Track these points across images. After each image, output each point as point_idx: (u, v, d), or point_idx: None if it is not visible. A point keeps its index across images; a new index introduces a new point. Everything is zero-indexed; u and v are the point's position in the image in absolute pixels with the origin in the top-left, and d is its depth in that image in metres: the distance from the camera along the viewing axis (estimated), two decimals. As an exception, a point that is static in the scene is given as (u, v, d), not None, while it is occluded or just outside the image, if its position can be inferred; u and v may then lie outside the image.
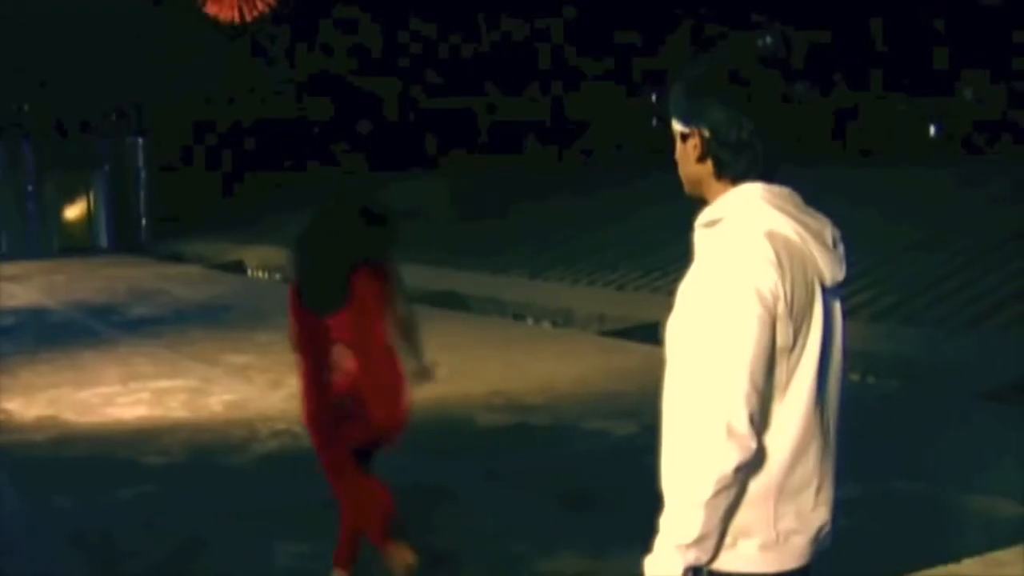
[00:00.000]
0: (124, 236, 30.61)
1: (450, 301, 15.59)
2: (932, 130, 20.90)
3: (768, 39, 24.29)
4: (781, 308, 2.22)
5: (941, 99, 20.54)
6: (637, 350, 11.03)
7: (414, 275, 18.61)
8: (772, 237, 2.27)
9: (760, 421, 2.22)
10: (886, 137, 18.55)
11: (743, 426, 2.16)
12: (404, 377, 5.03)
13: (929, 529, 5.58)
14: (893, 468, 6.30)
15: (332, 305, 4.87)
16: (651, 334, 12.13)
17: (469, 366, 10.38)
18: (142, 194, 31.35)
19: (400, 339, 5.11)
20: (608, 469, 7.00)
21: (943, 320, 10.65)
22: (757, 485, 2.25)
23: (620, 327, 12.43)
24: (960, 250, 12.39)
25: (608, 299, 14.23)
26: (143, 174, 31.23)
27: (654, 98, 28.86)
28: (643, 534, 5.81)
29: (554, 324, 13.96)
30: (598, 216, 18.30)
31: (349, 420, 4.98)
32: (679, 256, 11.76)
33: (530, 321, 14.30)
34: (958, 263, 12.03)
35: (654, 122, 29.04)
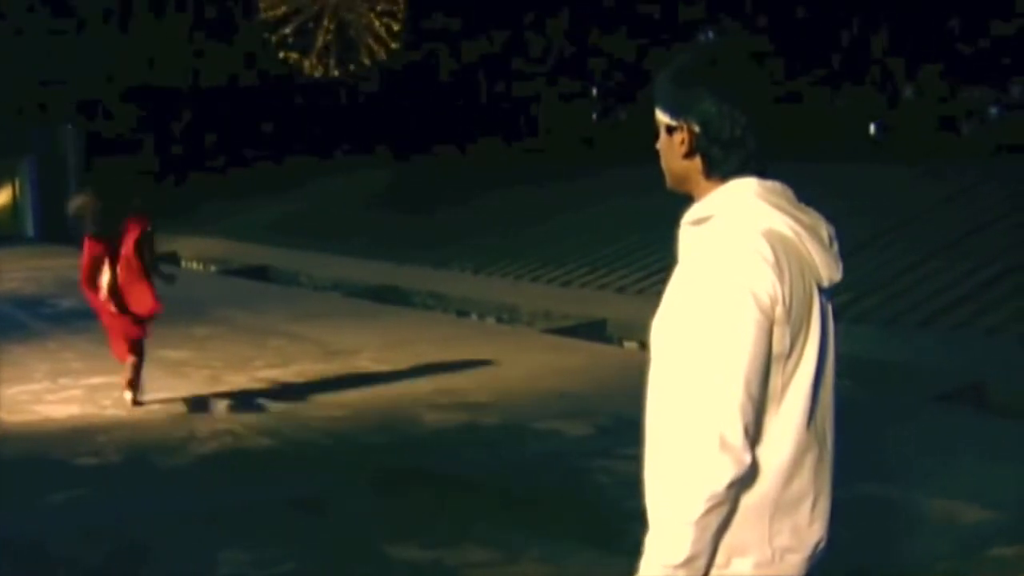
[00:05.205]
0: (52, 225, 29.86)
1: (392, 296, 15.36)
2: (872, 128, 21.06)
3: (710, 34, 24.39)
4: (779, 312, 2.09)
5: (883, 96, 20.76)
6: (584, 348, 10.91)
7: (355, 268, 18.51)
8: (769, 235, 2.13)
9: (754, 432, 2.08)
10: (827, 134, 18.62)
11: (737, 438, 2.02)
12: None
13: (896, 534, 5.51)
14: (854, 472, 6.18)
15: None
16: (598, 331, 12.04)
17: (413, 363, 10.19)
18: (71, 183, 30.61)
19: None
20: (563, 471, 6.85)
21: (896, 319, 10.65)
22: (751, 500, 2.12)
23: (566, 324, 12.29)
24: (912, 248, 12.43)
25: (554, 295, 14.07)
26: (72, 162, 30.50)
27: (595, 92, 28.87)
28: (604, 538, 5.64)
29: (499, 320, 13.78)
30: (543, 211, 18.17)
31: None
32: (626, 252, 11.79)
33: (475, 317, 14.10)
34: (910, 261, 12.07)
35: (594, 117, 29.08)
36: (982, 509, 5.79)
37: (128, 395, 8.68)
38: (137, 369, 8.68)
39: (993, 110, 19.86)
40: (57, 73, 28.68)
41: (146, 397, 8.86)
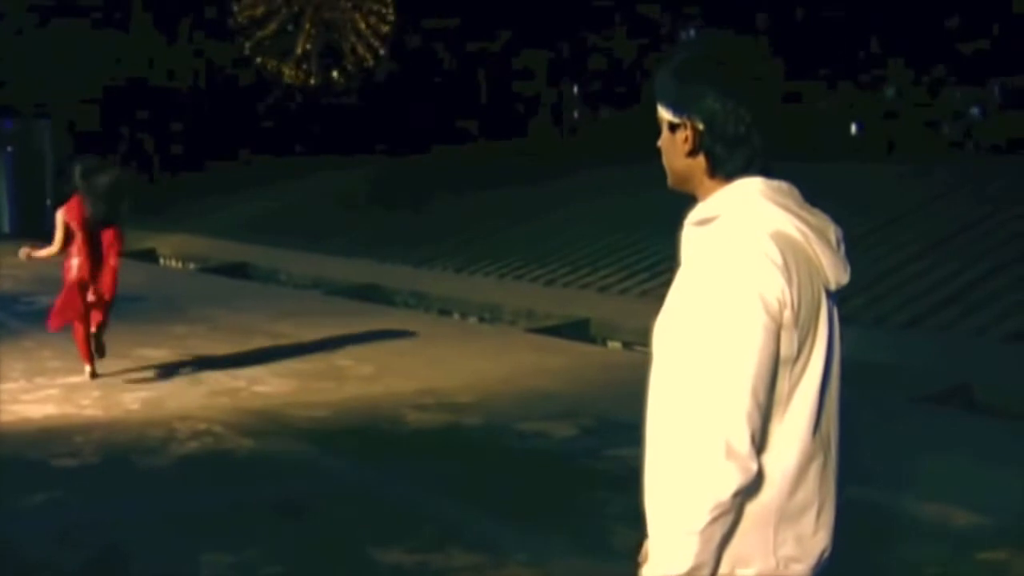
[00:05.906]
0: (29, 221, 29.61)
1: (372, 294, 15.24)
2: (853, 128, 21.07)
3: (692, 32, 24.38)
4: (787, 316, 2.04)
5: (865, 95, 20.77)
6: (568, 348, 10.84)
7: (335, 267, 18.40)
8: (777, 237, 2.08)
9: (760, 439, 2.03)
10: (815, 133, 18.64)
11: (744, 446, 1.98)
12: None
13: (885, 538, 5.45)
14: (843, 475, 6.16)
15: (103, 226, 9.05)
16: (581, 331, 11.99)
17: (395, 363, 10.10)
18: (48, 177, 30.39)
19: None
20: (548, 473, 6.79)
21: (881, 320, 10.61)
22: (755, 509, 2.08)
23: (550, 324, 12.22)
24: (899, 248, 12.40)
25: (537, 295, 13.98)
26: (50, 157, 30.27)
27: (576, 90, 28.79)
28: (591, 540, 5.56)
29: (482, 319, 13.70)
30: (527, 210, 18.08)
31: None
32: (609, 251, 11.75)
33: (457, 316, 14.01)
34: (897, 261, 12.03)
35: (576, 114, 29.00)
36: (971, 511, 5.75)
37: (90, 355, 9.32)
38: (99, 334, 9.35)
39: (975, 110, 19.92)
40: (56, 73, 28.50)
41: (124, 396, 8.76)
